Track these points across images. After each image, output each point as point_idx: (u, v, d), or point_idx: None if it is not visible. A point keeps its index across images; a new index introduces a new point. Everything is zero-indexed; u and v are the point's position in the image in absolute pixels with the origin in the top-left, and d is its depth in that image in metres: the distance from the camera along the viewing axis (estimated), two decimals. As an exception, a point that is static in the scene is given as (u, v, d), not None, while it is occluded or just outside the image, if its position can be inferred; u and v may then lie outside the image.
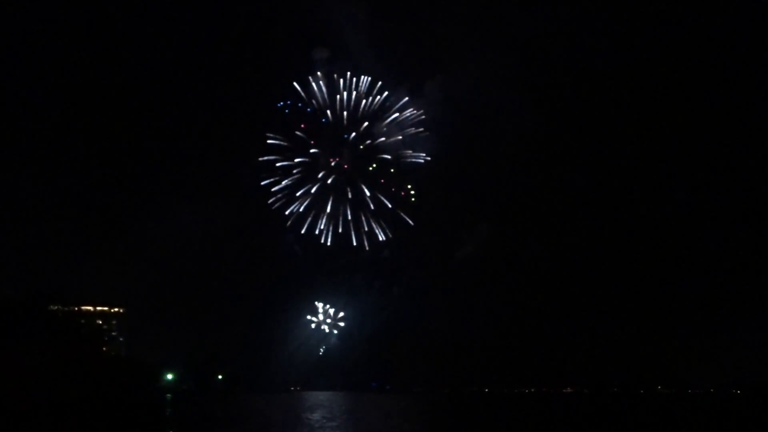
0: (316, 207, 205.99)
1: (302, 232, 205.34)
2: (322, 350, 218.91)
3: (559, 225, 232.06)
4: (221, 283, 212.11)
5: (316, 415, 62.24)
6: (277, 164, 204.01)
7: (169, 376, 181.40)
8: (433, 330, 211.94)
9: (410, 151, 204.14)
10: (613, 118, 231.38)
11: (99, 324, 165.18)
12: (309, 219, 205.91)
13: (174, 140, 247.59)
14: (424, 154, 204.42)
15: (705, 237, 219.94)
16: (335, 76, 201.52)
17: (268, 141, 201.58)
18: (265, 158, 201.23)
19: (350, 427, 50.39)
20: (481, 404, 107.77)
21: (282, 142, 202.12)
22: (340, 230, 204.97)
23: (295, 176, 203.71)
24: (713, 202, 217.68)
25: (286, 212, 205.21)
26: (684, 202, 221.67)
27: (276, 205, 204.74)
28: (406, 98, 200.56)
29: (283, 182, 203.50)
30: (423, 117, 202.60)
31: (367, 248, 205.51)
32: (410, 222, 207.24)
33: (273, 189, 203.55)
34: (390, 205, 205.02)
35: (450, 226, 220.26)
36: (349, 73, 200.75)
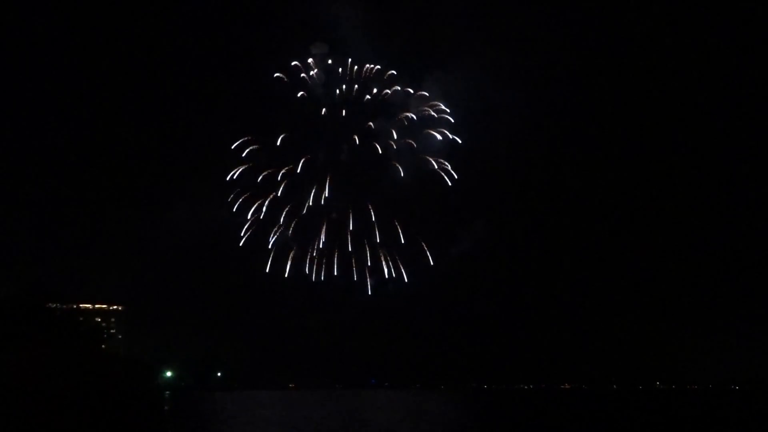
0: (303, 238, 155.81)
1: (286, 275, 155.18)
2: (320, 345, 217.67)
3: (557, 222, 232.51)
4: (219, 280, 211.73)
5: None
6: (259, 178, 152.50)
7: (168, 374, 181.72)
8: (431, 326, 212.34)
9: (433, 162, 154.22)
10: (611, 116, 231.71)
11: (98, 322, 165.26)
12: (293, 253, 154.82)
13: (172, 139, 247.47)
14: (449, 166, 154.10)
15: (702, 235, 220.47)
16: (330, 61, 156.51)
17: (244, 152, 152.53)
18: (237, 171, 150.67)
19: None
20: (480, 400, 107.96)
21: (257, 146, 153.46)
22: (335, 270, 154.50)
23: (276, 196, 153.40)
24: (712, 200, 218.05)
25: (270, 242, 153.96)
26: (682, 199, 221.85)
27: (246, 235, 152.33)
28: (424, 93, 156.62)
29: (262, 202, 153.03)
30: (450, 119, 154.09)
31: (369, 291, 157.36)
32: (429, 259, 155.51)
33: (248, 216, 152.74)
34: (403, 239, 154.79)
35: (447, 223, 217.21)
36: (350, 60, 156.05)
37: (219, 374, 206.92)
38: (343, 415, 60.04)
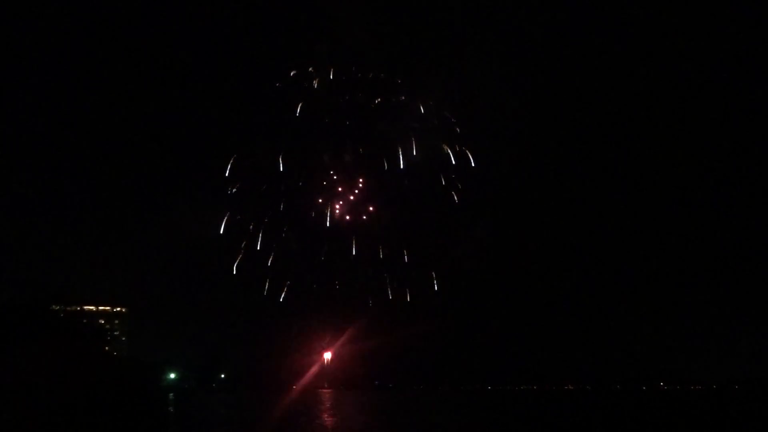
0: (305, 252, 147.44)
1: (281, 299, 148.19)
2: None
3: (559, 222, 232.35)
4: (223, 281, 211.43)
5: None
6: (262, 188, 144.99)
7: (172, 375, 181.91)
8: (434, 328, 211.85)
9: (441, 175, 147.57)
10: (613, 117, 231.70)
11: (101, 323, 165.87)
12: (294, 267, 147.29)
13: (176, 140, 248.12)
14: (455, 176, 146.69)
15: (705, 233, 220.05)
16: (333, 69, 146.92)
17: (246, 162, 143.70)
18: (237, 185, 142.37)
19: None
20: (483, 401, 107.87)
21: (257, 157, 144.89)
22: (336, 285, 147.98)
23: (278, 210, 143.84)
24: (714, 199, 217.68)
25: (270, 259, 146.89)
26: (684, 199, 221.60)
27: (244, 251, 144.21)
28: (430, 102, 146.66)
29: (262, 215, 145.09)
30: (457, 129, 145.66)
31: (371, 303, 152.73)
32: (435, 285, 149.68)
33: (250, 228, 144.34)
34: (407, 258, 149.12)
35: (448, 224, 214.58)
36: (354, 68, 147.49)
37: (222, 376, 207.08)
38: (345, 416, 60.08)
